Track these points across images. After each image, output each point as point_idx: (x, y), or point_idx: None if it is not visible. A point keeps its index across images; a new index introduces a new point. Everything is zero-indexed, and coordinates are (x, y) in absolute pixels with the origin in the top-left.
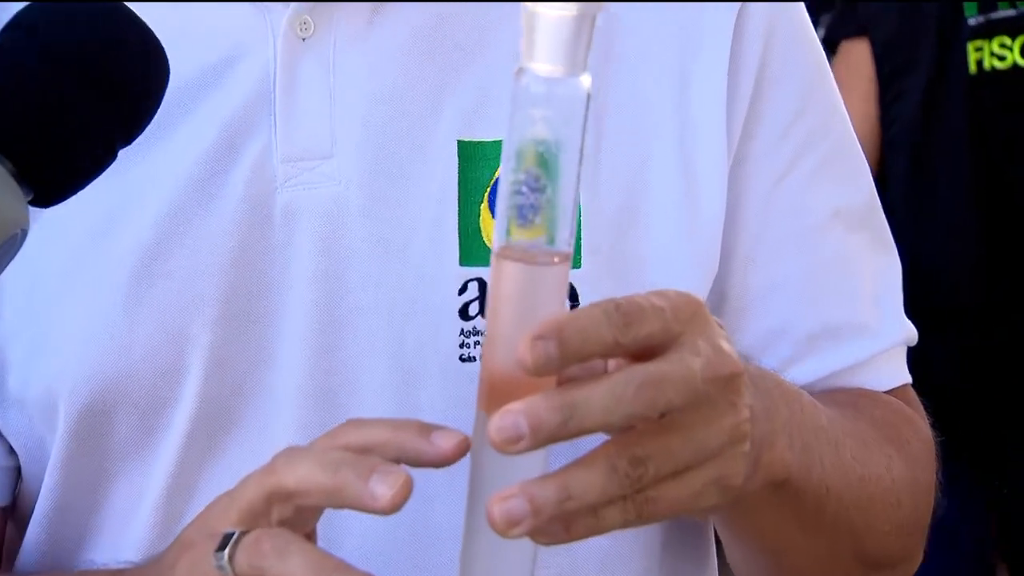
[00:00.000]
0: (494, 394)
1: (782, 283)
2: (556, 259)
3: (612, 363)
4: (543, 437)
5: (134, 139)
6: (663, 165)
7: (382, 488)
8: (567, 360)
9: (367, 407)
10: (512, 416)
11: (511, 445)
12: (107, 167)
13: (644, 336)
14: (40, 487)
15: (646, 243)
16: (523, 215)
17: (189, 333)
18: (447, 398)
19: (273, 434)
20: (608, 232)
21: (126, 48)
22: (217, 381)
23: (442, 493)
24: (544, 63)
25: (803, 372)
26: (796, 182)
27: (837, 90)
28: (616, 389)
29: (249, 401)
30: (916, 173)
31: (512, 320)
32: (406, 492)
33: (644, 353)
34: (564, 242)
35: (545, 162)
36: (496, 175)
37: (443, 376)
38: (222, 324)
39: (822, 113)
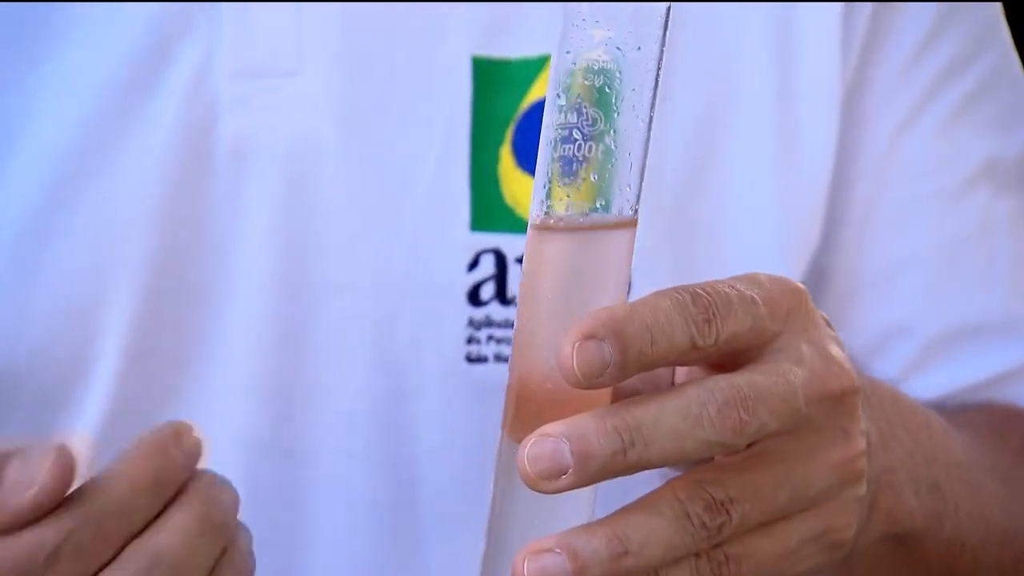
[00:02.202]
0: (526, 412)
1: (908, 262)
2: (616, 229)
3: (682, 372)
4: (593, 471)
5: None
6: (751, 97)
7: None
8: (627, 368)
9: (340, 420)
10: (552, 442)
11: (550, 481)
12: None
13: (729, 337)
14: None
15: (722, 203)
16: (572, 170)
17: (99, 312)
18: (449, 412)
19: (211, 452)
20: (671, 188)
21: None
22: (136, 376)
23: (436, 536)
24: None
25: (931, 383)
26: (931, 124)
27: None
28: (692, 408)
29: (179, 404)
30: None
31: (554, 312)
32: None
33: (728, 360)
34: (627, 207)
35: (605, 100)
36: (523, 106)
37: (444, 382)
38: (144, 301)
39: (972, 29)
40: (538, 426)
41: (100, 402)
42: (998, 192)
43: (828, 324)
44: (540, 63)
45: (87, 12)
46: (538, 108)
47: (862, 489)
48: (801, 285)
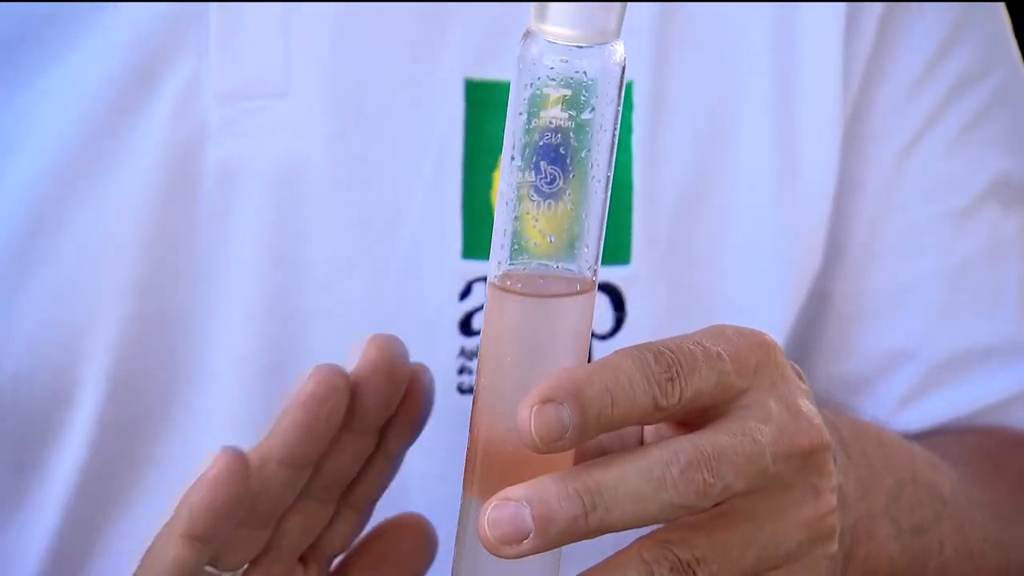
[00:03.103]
0: (487, 474)
1: (914, 286)
2: (577, 288)
3: (649, 432)
4: (554, 535)
5: None
6: (750, 120)
7: None
8: (587, 431)
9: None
10: (512, 507)
11: (510, 546)
12: None
13: (693, 395)
14: None
15: (721, 228)
16: (530, 228)
17: (84, 338)
18: (439, 442)
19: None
20: (669, 212)
21: None
22: (121, 403)
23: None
24: (561, 27)
25: (933, 409)
26: (939, 144)
27: (1003, 15)
28: (655, 471)
29: (164, 433)
30: None
31: (513, 374)
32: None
33: (693, 418)
34: (586, 266)
35: (562, 160)
36: None
37: (436, 412)
38: (129, 327)
39: (980, 46)
40: (500, 488)
41: (85, 428)
42: (1006, 211)
43: (800, 376)
44: None
45: (72, 33)
46: None
47: (833, 547)
48: (771, 338)
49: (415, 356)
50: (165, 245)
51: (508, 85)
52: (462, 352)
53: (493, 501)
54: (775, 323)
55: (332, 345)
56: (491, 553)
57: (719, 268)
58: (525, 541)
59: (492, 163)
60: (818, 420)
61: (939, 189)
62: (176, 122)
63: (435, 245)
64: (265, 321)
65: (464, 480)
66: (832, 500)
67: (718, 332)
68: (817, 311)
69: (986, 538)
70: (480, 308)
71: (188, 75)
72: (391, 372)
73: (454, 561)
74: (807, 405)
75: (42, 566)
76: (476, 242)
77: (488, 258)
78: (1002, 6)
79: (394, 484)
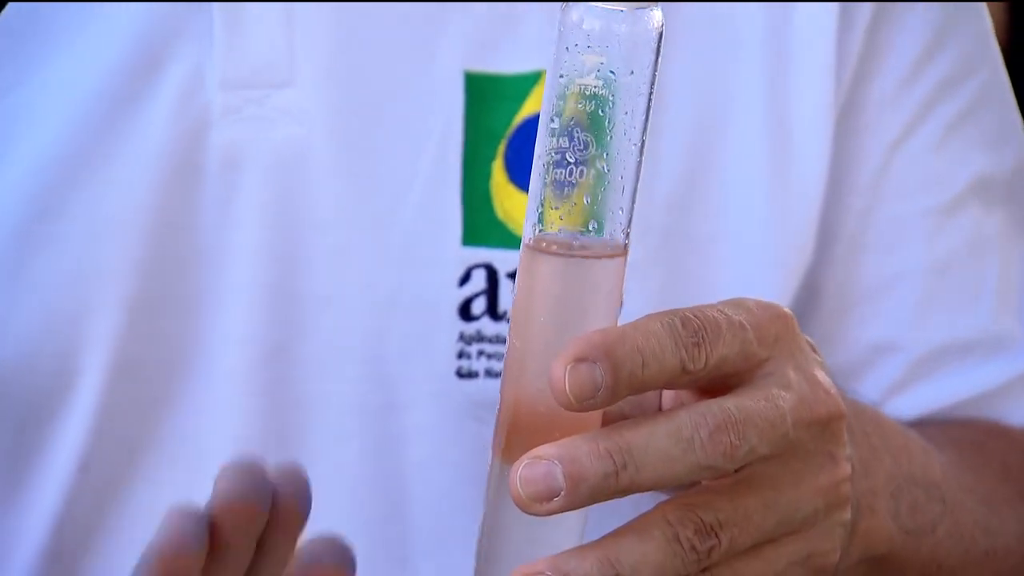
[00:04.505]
0: (517, 435)
1: (898, 280)
2: (608, 253)
3: (669, 397)
4: (585, 493)
5: None
6: (744, 113)
7: None
8: (619, 390)
9: (331, 434)
10: (544, 465)
11: (541, 503)
12: None
13: (718, 361)
14: None
15: (715, 219)
16: (564, 194)
17: (85, 323)
18: (439, 427)
19: (199, 467)
20: (663, 203)
21: None
22: (123, 388)
23: (425, 551)
24: None
25: (917, 400)
26: (925, 141)
27: (987, 17)
28: (684, 432)
29: (165, 417)
30: None
31: (546, 335)
32: None
33: (716, 384)
34: (619, 230)
35: (598, 124)
36: (516, 122)
37: (434, 397)
38: (131, 312)
39: (965, 47)
40: (529, 449)
41: (86, 414)
42: (988, 209)
43: (814, 349)
44: (533, 78)
45: (76, 21)
46: (531, 124)
47: (847, 514)
48: (788, 311)
49: (415, 341)
50: (167, 231)
51: (507, 78)
52: (461, 337)
53: (525, 459)
54: None
55: (332, 330)
56: (522, 510)
57: (713, 258)
58: (556, 499)
59: (492, 153)
60: (834, 390)
61: (924, 185)
62: (179, 110)
63: (435, 232)
64: (266, 307)
65: (493, 443)
66: (847, 468)
67: (739, 303)
68: (807, 303)
69: (975, 522)
70: (480, 294)
71: (192, 63)
72: (247, 501)
73: (482, 522)
74: (823, 376)
75: (43, 550)
76: (476, 229)
77: (489, 245)
78: (984, 6)
79: (392, 470)
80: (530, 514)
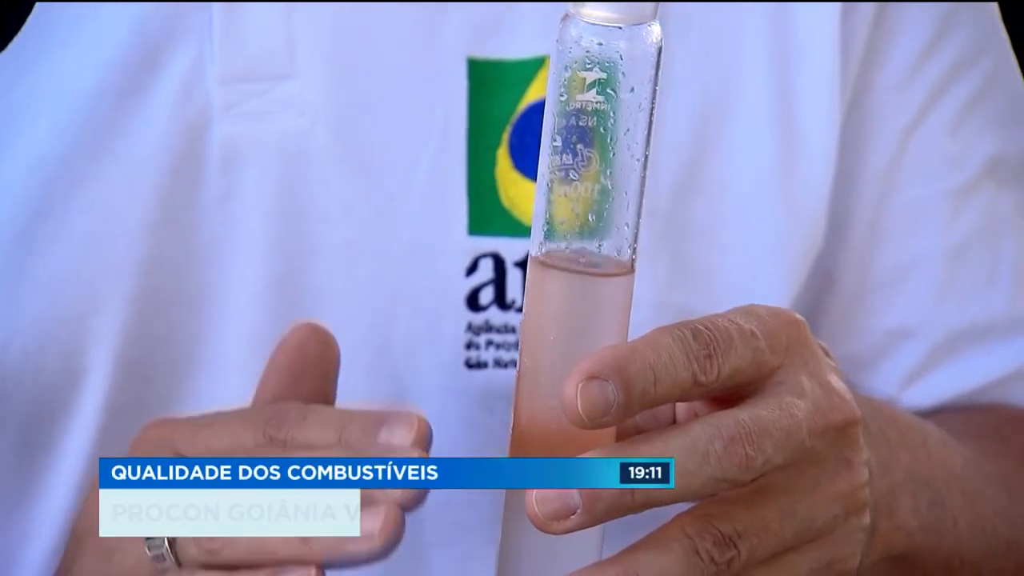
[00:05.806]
0: (531, 451)
1: (915, 265)
2: (615, 270)
3: (683, 408)
4: (602, 510)
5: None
6: (749, 99)
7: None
8: (632, 407)
9: None
10: None
11: (558, 522)
12: None
13: (730, 372)
14: None
15: (720, 206)
16: (569, 210)
17: (90, 321)
18: (448, 417)
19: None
20: (668, 190)
21: None
22: (130, 385)
23: (436, 542)
24: (600, 9)
25: (935, 387)
26: (940, 123)
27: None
28: (699, 446)
29: (172, 414)
30: None
31: (557, 353)
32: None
33: (729, 395)
34: (626, 245)
35: (601, 141)
36: (520, 108)
37: (443, 387)
38: (136, 309)
39: (973, 30)
40: None
41: (93, 411)
42: (1001, 189)
43: (827, 354)
44: (536, 64)
45: (75, 17)
46: (535, 110)
47: (866, 519)
48: (799, 316)
49: (423, 332)
50: (171, 226)
51: (510, 63)
52: (469, 327)
53: None
54: (775, 299)
55: (339, 323)
56: (539, 529)
57: (719, 243)
58: (572, 517)
59: (496, 140)
60: (848, 395)
61: (941, 168)
62: (180, 104)
63: (441, 222)
64: (272, 301)
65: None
66: (864, 473)
67: (749, 311)
68: (822, 291)
69: (997, 512)
70: (487, 283)
71: (191, 57)
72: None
73: (500, 540)
74: (837, 381)
75: (53, 548)
76: (482, 219)
77: (496, 234)
78: None
79: None
80: (547, 533)
